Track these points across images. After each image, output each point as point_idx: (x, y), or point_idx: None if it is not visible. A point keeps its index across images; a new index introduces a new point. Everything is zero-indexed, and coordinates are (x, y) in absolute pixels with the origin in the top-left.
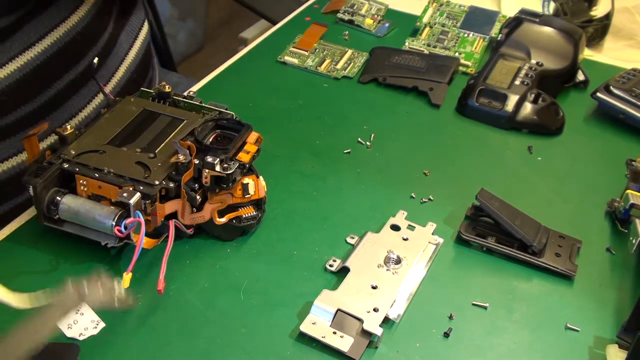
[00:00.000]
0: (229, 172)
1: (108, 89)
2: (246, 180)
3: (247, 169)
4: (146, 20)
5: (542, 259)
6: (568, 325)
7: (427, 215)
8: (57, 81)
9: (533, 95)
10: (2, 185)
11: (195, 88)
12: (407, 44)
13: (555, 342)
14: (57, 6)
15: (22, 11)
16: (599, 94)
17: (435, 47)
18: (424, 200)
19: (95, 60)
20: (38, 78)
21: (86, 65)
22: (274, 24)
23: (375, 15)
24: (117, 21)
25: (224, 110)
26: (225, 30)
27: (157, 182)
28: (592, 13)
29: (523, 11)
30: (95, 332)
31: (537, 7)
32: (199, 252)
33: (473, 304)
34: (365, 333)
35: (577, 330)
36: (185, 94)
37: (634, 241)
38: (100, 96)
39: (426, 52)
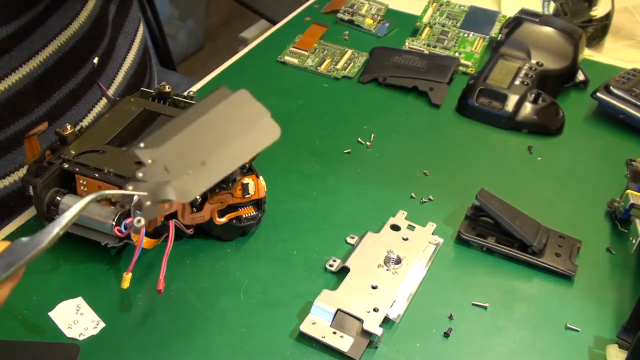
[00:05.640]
0: None
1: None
2: (246, 180)
3: (247, 169)
4: (142, 22)
5: (542, 259)
6: (568, 325)
7: (427, 215)
8: (57, 92)
9: (533, 95)
10: (4, 201)
11: (195, 88)
12: (407, 44)
13: (555, 342)
14: (58, 14)
15: (23, 20)
16: (599, 94)
17: (435, 47)
18: (424, 200)
19: (96, 60)
20: (38, 89)
21: (86, 74)
22: (274, 24)
23: (375, 15)
24: (114, 25)
25: None
26: (225, 30)
27: None
28: (592, 13)
29: (523, 11)
30: (95, 332)
31: (537, 7)
32: (199, 252)
33: (473, 304)
34: (365, 333)
35: (577, 330)
36: (185, 94)
37: (634, 241)
38: (100, 105)
39: (426, 52)
